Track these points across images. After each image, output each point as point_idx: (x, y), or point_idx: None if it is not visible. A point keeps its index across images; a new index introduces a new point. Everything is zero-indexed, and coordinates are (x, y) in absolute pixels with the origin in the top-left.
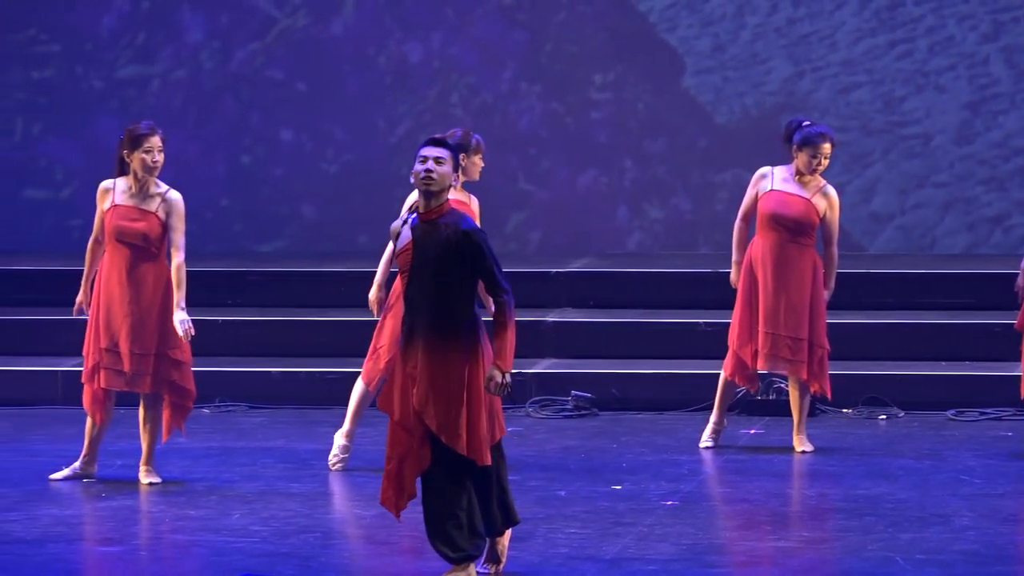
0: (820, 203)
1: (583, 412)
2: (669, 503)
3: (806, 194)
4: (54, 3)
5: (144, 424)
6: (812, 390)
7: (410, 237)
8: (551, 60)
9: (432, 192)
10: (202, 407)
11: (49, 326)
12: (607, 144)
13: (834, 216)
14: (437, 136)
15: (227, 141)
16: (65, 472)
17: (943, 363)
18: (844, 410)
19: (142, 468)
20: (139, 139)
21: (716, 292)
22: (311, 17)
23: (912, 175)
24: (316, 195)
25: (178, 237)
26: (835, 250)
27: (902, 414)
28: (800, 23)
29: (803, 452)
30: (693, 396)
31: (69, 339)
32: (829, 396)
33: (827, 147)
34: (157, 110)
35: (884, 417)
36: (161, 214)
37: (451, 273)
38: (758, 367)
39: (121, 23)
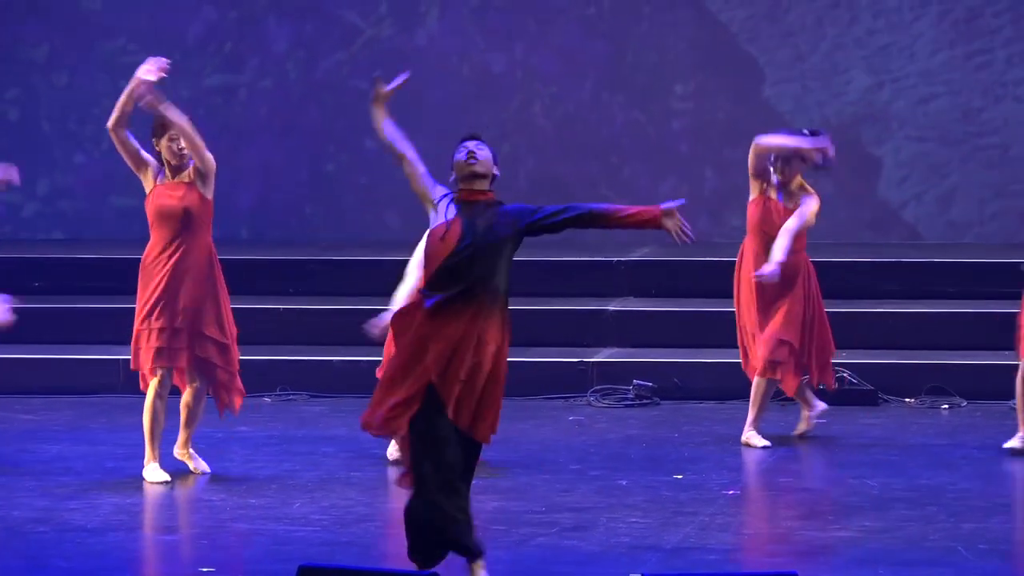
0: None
1: (645, 401)
2: (731, 492)
3: (789, 204)
4: (142, 13)
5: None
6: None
7: None
8: (632, 70)
9: None
10: (263, 396)
11: (111, 314)
12: (688, 153)
13: (803, 212)
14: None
15: (311, 150)
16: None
17: (1006, 352)
18: (906, 400)
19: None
20: (164, 127)
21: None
22: (395, 27)
23: (990, 184)
24: (400, 203)
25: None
26: (788, 231)
27: (964, 404)
28: (879, 34)
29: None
30: None
31: (130, 327)
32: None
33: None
34: (243, 119)
35: (947, 407)
36: (196, 181)
37: None
38: None
39: (208, 33)
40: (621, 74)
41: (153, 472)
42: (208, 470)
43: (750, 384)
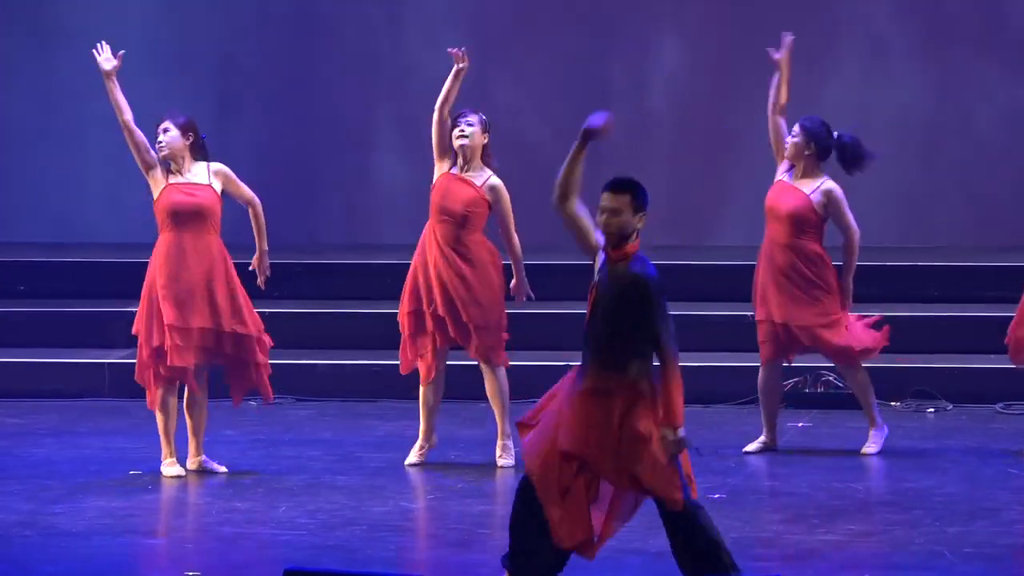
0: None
1: None
2: (716, 496)
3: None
4: (138, 25)
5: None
6: None
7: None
8: (624, 88)
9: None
10: (249, 400)
11: (96, 318)
12: (677, 166)
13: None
14: (620, 179)
15: (300, 157)
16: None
17: (992, 356)
18: (892, 403)
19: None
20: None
21: None
22: (389, 42)
23: (970, 191)
24: (388, 209)
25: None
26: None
27: (950, 407)
28: (861, 53)
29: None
30: (740, 389)
31: (116, 331)
32: None
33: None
34: (234, 125)
35: (932, 410)
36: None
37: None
38: None
39: (203, 44)
40: (614, 90)
41: (171, 467)
42: (225, 468)
43: (733, 388)
